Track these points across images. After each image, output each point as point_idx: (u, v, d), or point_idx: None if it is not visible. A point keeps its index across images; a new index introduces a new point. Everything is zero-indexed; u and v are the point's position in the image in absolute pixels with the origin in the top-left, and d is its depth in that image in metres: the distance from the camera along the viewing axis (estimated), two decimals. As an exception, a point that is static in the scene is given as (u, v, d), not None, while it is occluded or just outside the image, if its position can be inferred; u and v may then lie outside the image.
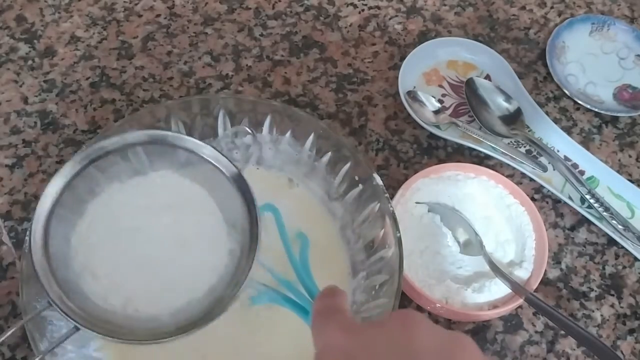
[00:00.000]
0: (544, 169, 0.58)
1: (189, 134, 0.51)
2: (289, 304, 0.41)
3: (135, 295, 0.38)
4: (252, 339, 0.47)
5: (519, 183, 0.57)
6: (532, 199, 0.56)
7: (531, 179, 0.58)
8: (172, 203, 0.41)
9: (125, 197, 0.41)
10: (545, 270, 0.52)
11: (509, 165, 0.58)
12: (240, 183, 0.40)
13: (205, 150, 0.41)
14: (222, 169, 0.41)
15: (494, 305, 0.50)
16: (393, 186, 0.54)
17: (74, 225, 0.40)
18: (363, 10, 0.68)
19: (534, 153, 0.60)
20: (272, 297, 0.42)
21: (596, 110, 0.62)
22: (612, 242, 0.56)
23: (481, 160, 0.59)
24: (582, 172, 0.59)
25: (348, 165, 0.49)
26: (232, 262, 0.39)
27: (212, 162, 0.41)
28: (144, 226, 0.40)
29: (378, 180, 0.47)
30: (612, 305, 0.53)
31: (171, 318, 0.37)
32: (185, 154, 0.41)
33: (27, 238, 0.43)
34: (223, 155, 0.41)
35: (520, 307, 0.52)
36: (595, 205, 0.56)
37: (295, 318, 0.40)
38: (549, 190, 0.57)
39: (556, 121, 0.62)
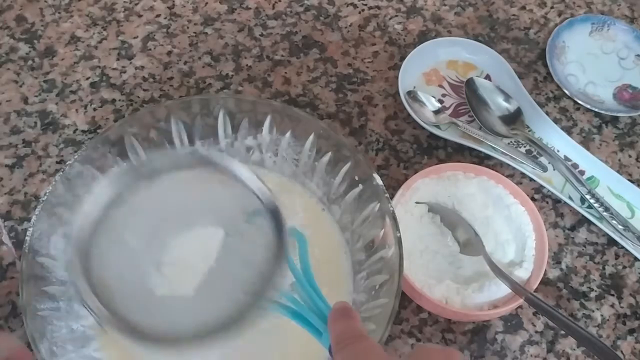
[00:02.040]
0: (544, 169, 0.58)
1: (189, 133, 0.51)
2: (293, 317, 0.39)
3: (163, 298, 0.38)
4: (261, 349, 0.46)
5: (519, 183, 0.57)
6: (532, 199, 0.56)
7: (531, 179, 0.58)
8: (210, 216, 0.41)
9: (158, 205, 0.41)
10: (545, 270, 0.52)
11: (509, 165, 0.58)
12: (273, 210, 0.39)
13: (244, 172, 0.40)
14: (258, 194, 0.40)
15: (494, 305, 0.50)
16: (393, 186, 0.54)
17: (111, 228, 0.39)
18: (363, 10, 0.68)
19: (534, 153, 0.60)
20: (276, 308, 0.40)
21: (596, 110, 0.62)
22: (612, 242, 0.56)
23: (481, 160, 0.59)
24: (582, 172, 0.59)
25: (348, 165, 0.49)
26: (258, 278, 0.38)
27: (249, 185, 0.40)
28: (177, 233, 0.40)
29: (378, 180, 0.47)
30: (612, 305, 0.53)
31: (192, 326, 0.37)
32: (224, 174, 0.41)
33: (26, 237, 0.43)
34: (260, 180, 0.40)
35: (520, 307, 0.52)
36: (595, 205, 0.56)
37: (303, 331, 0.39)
38: (549, 190, 0.57)
39: (556, 121, 0.62)
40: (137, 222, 0.40)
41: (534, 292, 0.50)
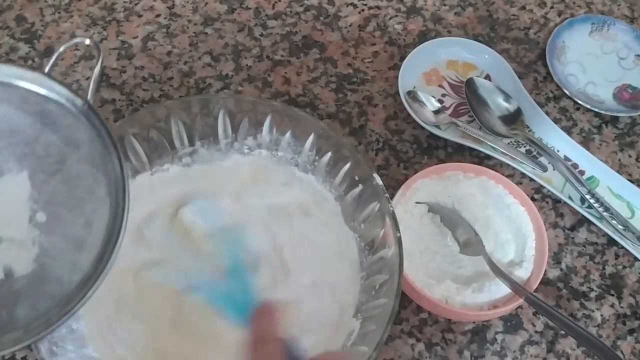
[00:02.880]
0: (544, 169, 0.58)
1: (189, 134, 0.51)
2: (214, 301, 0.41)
3: None
4: None
5: (519, 183, 0.57)
6: (532, 199, 0.56)
7: (531, 179, 0.58)
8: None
9: None
10: (545, 270, 0.52)
11: (509, 165, 0.58)
12: (87, 114, 0.32)
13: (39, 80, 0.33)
14: (64, 102, 0.33)
15: (494, 305, 0.50)
16: (393, 186, 0.54)
17: None
18: (363, 10, 0.68)
19: (534, 153, 0.60)
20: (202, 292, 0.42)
21: (596, 110, 0.62)
22: (612, 242, 0.56)
23: (481, 160, 0.59)
24: (582, 172, 0.59)
25: (348, 165, 0.49)
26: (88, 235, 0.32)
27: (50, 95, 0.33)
28: None
29: (378, 180, 0.47)
30: (612, 305, 0.53)
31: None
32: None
33: None
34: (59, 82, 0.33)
35: (520, 307, 0.52)
36: (595, 205, 0.56)
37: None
38: (549, 190, 0.57)
39: (556, 121, 0.62)
40: None
41: (534, 292, 0.50)
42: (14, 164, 0.33)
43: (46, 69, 0.35)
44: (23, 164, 0.33)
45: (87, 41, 0.38)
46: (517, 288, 0.49)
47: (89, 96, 0.34)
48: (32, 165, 0.33)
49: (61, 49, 0.37)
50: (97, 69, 0.37)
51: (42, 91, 0.34)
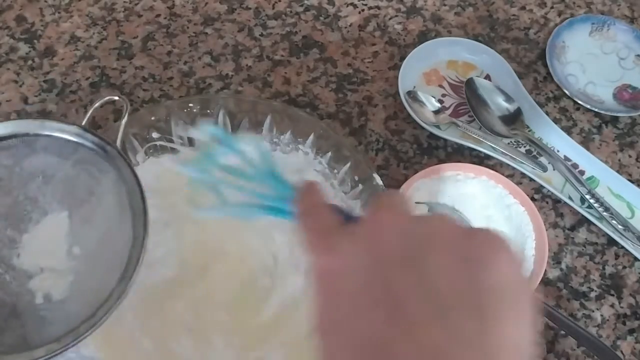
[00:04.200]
0: (544, 169, 0.58)
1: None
2: (266, 211, 0.37)
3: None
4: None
5: (519, 183, 0.57)
6: (532, 199, 0.56)
7: (531, 179, 0.58)
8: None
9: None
10: (545, 270, 0.52)
11: (509, 165, 0.58)
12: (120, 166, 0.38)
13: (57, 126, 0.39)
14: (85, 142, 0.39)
15: (494, 305, 0.50)
16: (393, 186, 0.54)
17: None
18: (363, 10, 0.68)
19: (534, 153, 0.60)
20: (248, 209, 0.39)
21: (596, 110, 0.62)
22: (612, 242, 0.56)
23: (481, 160, 0.59)
24: (582, 172, 0.59)
25: (348, 165, 0.50)
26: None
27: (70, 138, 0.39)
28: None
29: (378, 180, 0.47)
30: (612, 305, 0.53)
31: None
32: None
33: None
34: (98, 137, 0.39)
35: (520, 307, 0.52)
36: (595, 205, 0.56)
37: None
38: (549, 190, 0.57)
39: (556, 121, 0.62)
40: None
41: (534, 292, 0.50)
42: (57, 205, 0.40)
43: (83, 122, 0.41)
44: (63, 205, 0.40)
45: (116, 98, 0.46)
46: (517, 288, 0.49)
47: (117, 143, 0.41)
48: (70, 206, 0.40)
49: (96, 104, 0.45)
50: (124, 121, 0.44)
51: (78, 140, 0.40)
